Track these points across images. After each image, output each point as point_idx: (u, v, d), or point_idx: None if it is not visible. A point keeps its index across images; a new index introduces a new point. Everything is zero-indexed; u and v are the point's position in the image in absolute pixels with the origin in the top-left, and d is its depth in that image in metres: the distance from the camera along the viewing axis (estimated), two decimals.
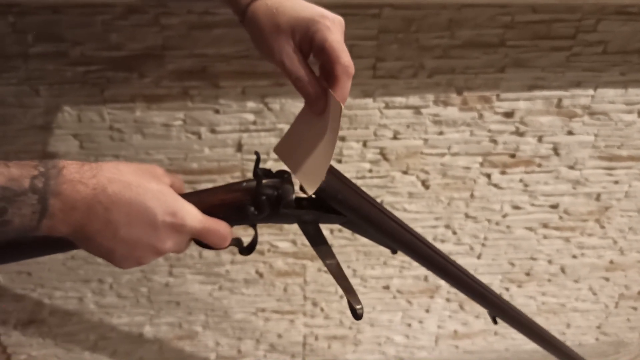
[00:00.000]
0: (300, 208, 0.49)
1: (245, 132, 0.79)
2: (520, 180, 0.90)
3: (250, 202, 0.47)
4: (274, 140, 0.81)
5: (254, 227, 0.51)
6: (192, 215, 0.43)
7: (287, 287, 1.00)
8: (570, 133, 0.85)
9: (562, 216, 0.96)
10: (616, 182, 0.93)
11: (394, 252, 0.55)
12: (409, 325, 1.10)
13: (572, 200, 0.94)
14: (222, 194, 0.47)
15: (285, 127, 0.80)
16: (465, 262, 1.00)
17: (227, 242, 0.47)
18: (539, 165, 0.89)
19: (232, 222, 0.47)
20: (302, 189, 0.47)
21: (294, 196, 0.48)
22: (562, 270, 1.05)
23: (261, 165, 0.54)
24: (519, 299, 1.08)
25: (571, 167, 0.90)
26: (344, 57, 0.44)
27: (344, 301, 1.03)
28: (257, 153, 0.48)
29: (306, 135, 0.48)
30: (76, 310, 0.98)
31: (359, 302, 0.47)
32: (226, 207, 0.46)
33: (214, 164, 0.82)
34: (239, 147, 0.81)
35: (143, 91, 0.74)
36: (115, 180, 0.40)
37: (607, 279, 1.08)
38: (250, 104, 0.77)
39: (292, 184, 0.48)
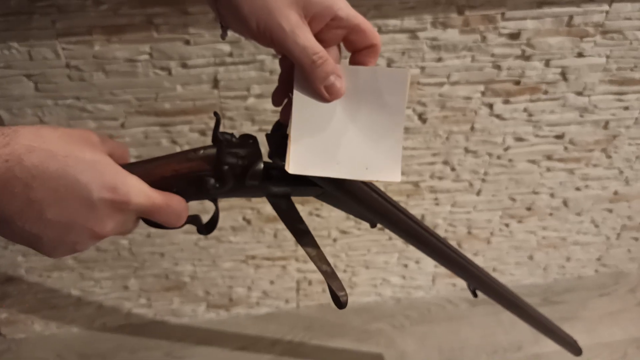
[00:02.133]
0: (270, 179, 0.42)
1: (221, 65, 0.71)
2: (525, 110, 0.83)
3: (210, 172, 0.40)
4: (254, 75, 0.72)
5: (215, 201, 0.44)
6: (138, 190, 0.36)
7: (277, 232, 0.94)
8: (580, 55, 0.77)
9: (567, 147, 0.90)
10: (626, 109, 0.86)
11: (373, 225, 0.49)
12: (406, 265, 1.07)
13: (578, 129, 0.88)
14: (175, 164, 0.39)
15: (267, 59, 0.71)
16: (464, 199, 0.95)
17: (182, 220, 0.40)
18: (545, 93, 0.81)
19: (188, 197, 0.40)
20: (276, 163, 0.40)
21: (261, 165, 0.40)
22: (565, 203, 1.00)
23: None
24: (519, 234, 1.04)
25: (579, 94, 0.82)
26: (377, 36, 0.38)
27: (337, 245, 0.99)
28: (216, 114, 0.40)
29: (329, 127, 0.39)
30: (54, 265, 0.92)
31: (343, 289, 0.41)
32: (180, 179, 0.39)
33: (189, 104, 0.74)
34: (215, 83, 0.72)
35: (101, 21, 0.65)
36: (36, 149, 0.32)
37: (610, 211, 1.04)
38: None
39: (259, 151, 0.41)
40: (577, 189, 0.98)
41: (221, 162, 0.39)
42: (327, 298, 1.09)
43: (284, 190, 0.43)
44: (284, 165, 0.39)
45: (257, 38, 0.37)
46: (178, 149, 0.79)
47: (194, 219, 0.43)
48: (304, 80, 0.38)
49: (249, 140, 0.41)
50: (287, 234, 0.95)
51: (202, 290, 1.02)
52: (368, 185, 0.44)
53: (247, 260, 0.98)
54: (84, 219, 0.34)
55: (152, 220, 0.39)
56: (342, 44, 0.40)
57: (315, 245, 0.43)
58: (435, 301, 1.13)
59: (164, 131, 0.76)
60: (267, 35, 0.36)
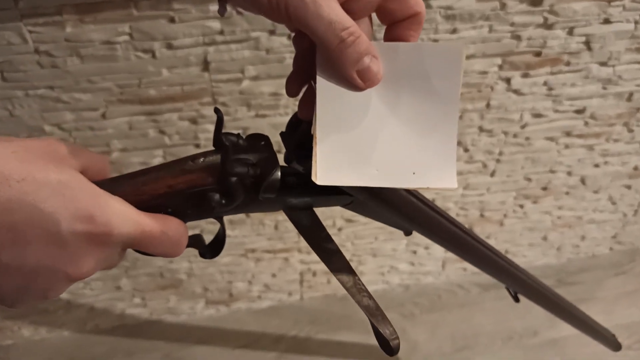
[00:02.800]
0: (288, 189, 0.34)
1: (211, 45, 0.63)
2: (545, 84, 0.76)
3: (214, 186, 0.32)
4: (248, 54, 0.64)
5: (220, 219, 0.36)
6: (122, 216, 0.28)
7: (278, 224, 0.88)
8: (606, 21, 0.70)
9: (588, 122, 0.83)
10: None
11: (408, 233, 0.42)
12: (414, 252, 1.01)
13: (600, 102, 0.81)
14: (169, 178, 0.31)
15: (263, 36, 0.63)
16: (478, 181, 0.89)
17: (181, 248, 0.32)
18: (567, 64, 0.74)
19: (186, 218, 0.32)
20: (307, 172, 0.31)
21: (278, 173, 0.32)
22: (582, 181, 0.94)
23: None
24: (534, 215, 0.99)
25: (603, 64, 0.76)
26: (421, 2, 0.31)
27: (343, 234, 0.93)
28: (217, 111, 0.32)
29: (363, 123, 0.31)
30: None
31: (391, 328, 0.33)
32: (177, 196, 0.31)
33: (177, 89, 0.66)
34: (206, 65, 0.64)
35: None
36: None
37: (628, 187, 0.98)
38: (215, 7, 0.59)
39: (274, 155, 0.33)
40: (596, 165, 0.92)
41: (227, 172, 0.31)
42: (332, 289, 1.03)
43: (305, 201, 0.35)
44: (305, 172, 0.32)
45: (267, 12, 0.29)
46: (167, 140, 0.71)
47: (194, 241, 0.36)
48: (330, 64, 0.29)
49: (260, 142, 0.33)
50: (289, 225, 0.88)
51: (200, 287, 0.96)
52: (408, 190, 0.37)
53: (246, 254, 0.92)
54: (53, 260, 0.26)
55: (144, 251, 0.31)
56: (374, 15, 0.32)
57: (350, 271, 0.35)
58: (445, 287, 1.08)
59: (151, 120, 0.69)
60: (282, 7, 0.28)
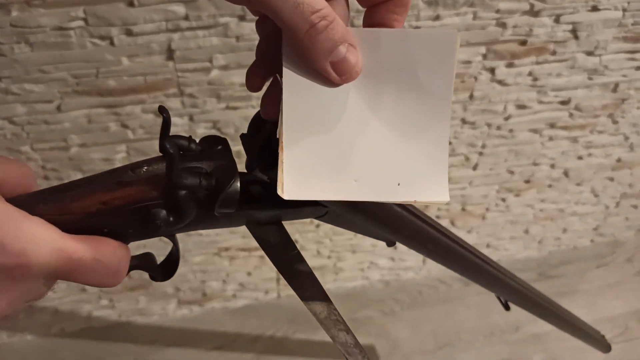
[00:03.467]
0: (251, 202, 0.29)
1: (176, 31, 0.58)
2: (530, 74, 0.73)
3: (159, 202, 0.27)
4: (216, 42, 0.60)
5: (172, 236, 0.31)
6: (42, 243, 0.23)
7: None
8: (594, 9, 0.67)
9: (573, 113, 0.81)
10: (638, 68, 0.77)
11: (390, 244, 0.38)
12: (395, 247, 0.98)
13: (585, 93, 0.78)
14: (102, 192, 0.26)
15: (232, 22, 0.58)
16: (460, 174, 0.86)
17: (119, 275, 0.27)
18: (553, 53, 0.71)
19: (128, 238, 0.28)
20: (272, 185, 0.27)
21: (237, 184, 0.27)
22: (566, 173, 0.92)
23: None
24: (516, 208, 0.96)
25: (590, 53, 0.73)
26: None
27: (321, 230, 0.89)
28: (162, 110, 0.26)
29: (339, 124, 0.26)
30: None
31: None
32: (113, 214, 0.26)
33: (139, 80, 0.61)
34: (170, 53, 0.59)
35: None
36: None
37: (611, 179, 0.96)
38: None
39: (232, 162, 0.28)
40: (580, 157, 0.89)
41: (174, 184, 0.26)
42: None
43: (271, 215, 0.31)
44: (270, 182, 0.28)
45: None
46: (130, 134, 0.66)
47: (142, 261, 0.31)
48: (299, 54, 0.25)
49: (215, 146, 0.28)
50: None
51: (172, 287, 0.91)
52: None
53: (219, 253, 0.87)
54: None
55: (75, 281, 0.26)
56: None
57: (324, 297, 0.31)
58: (426, 282, 1.05)
59: (112, 113, 0.63)
60: None
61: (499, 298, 0.54)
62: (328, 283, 1.01)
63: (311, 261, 0.94)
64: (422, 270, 1.05)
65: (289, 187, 0.25)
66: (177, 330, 0.95)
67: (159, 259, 0.32)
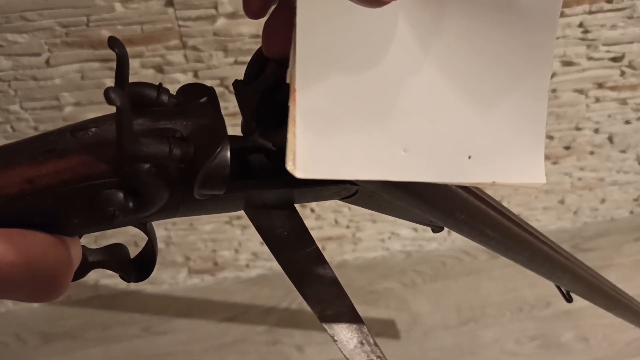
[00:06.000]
0: (249, 177, 0.21)
1: None
2: (580, 25, 0.64)
3: (112, 179, 0.19)
4: None
5: (143, 226, 0.24)
6: None
7: None
8: None
9: (625, 71, 0.72)
10: None
11: (437, 230, 0.30)
12: None
13: None
14: (26, 165, 0.18)
15: None
16: None
17: (59, 283, 0.19)
18: (609, 1, 0.62)
19: (74, 230, 0.20)
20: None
21: (227, 153, 0.19)
22: (610, 139, 0.83)
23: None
24: (552, 177, 0.88)
25: None
26: None
27: None
28: (115, 44, 0.18)
29: (379, 69, 0.17)
30: None
31: None
32: (46, 197, 0.18)
33: (135, 29, 0.54)
34: None
35: None
36: None
37: None
38: None
39: (221, 119, 0.20)
40: (627, 122, 0.81)
41: (131, 154, 0.18)
42: (328, 255, 0.93)
43: (279, 196, 0.23)
44: (275, 150, 0.20)
45: None
46: None
47: (108, 257, 0.24)
48: None
49: (197, 99, 0.20)
50: None
51: (181, 256, 0.87)
52: None
53: (231, 222, 0.82)
54: None
55: None
56: None
57: (356, 318, 0.23)
58: (450, 253, 0.99)
59: (107, 68, 0.57)
60: None
61: (558, 287, 0.48)
62: (346, 254, 0.95)
63: (329, 231, 0.88)
64: (447, 241, 0.98)
65: (304, 160, 0.17)
66: (187, 300, 0.91)
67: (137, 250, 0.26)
